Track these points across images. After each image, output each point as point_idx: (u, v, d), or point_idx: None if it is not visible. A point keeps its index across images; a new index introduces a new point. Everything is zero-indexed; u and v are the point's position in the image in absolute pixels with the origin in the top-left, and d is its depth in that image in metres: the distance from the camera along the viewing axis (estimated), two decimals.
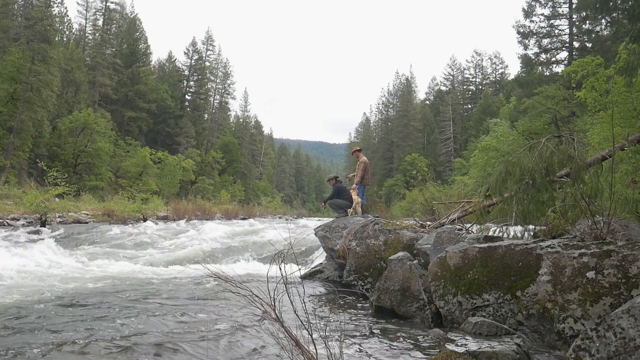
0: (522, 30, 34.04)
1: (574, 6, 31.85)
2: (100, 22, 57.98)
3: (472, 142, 47.00)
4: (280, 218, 39.48)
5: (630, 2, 11.68)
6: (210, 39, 71.69)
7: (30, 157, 35.99)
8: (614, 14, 15.01)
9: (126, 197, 29.76)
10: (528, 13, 34.12)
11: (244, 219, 33.43)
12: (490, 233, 7.05)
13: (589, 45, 31.42)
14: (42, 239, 13.58)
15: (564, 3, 33.57)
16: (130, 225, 20.75)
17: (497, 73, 74.64)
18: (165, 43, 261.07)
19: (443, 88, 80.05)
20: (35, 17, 38.01)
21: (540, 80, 30.75)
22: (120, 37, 59.28)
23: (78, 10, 59.57)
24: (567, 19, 33.26)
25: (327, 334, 2.87)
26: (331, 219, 11.13)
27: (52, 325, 5.11)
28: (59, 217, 21.65)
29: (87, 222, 21.70)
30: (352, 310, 6.46)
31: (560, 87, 26.45)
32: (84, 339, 4.52)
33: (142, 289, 7.60)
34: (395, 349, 4.57)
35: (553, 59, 33.82)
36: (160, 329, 4.99)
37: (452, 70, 79.10)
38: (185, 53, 69.65)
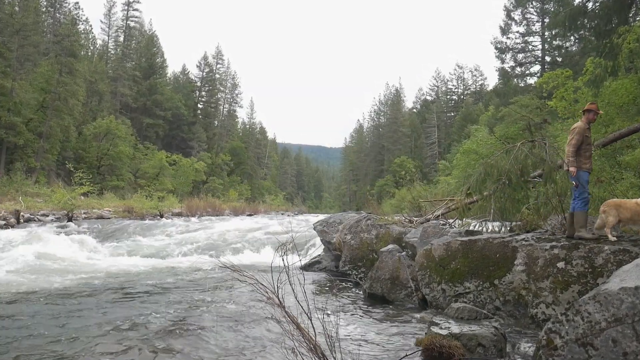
0: (499, 46, 34.12)
1: (545, 24, 31.92)
2: (121, 39, 57.88)
3: (455, 146, 46.92)
4: (282, 214, 39.42)
5: (596, 21, 11.70)
6: (220, 54, 71.55)
7: (58, 159, 35.89)
8: (582, 32, 15.04)
9: (144, 196, 29.64)
10: (505, 31, 34.19)
11: (250, 215, 33.35)
12: (471, 228, 7.05)
13: (559, 59, 31.47)
14: (72, 233, 13.53)
15: (537, 22, 33.66)
16: (147, 220, 20.71)
17: (477, 84, 74.59)
18: (180, 57, 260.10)
19: (428, 98, 79.97)
20: (63, 34, 37.93)
21: (516, 91, 30.80)
22: (139, 52, 59.07)
23: (101, 28, 59.61)
24: (539, 36, 33.34)
25: (324, 318, 2.86)
26: (328, 215, 11.11)
27: (78, 306, 5.10)
28: (84, 213, 21.57)
29: (109, 218, 21.62)
30: (347, 297, 6.45)
31: (533, 97, 26.48)
32: (106, 323, 4.51)
33: (160, 278, 7.58)
34: (385, 331, 4.57)
35: (527, 71, 33.94)
36: (174, 314, 4.98)
37: (437, 81, 79.10)
38: (197, 66, 69.58)
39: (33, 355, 3.59)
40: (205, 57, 69.79)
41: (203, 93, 69.71)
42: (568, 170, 5.25)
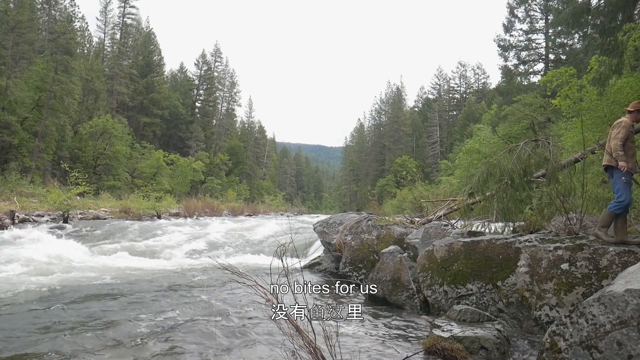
0: (502, 44, 34.09)
1: (549, 21, 31.91)
2: (117, 36, 57.80)
3: (457, 146, 46.89)
4: (282, 215, 39.41)
5: (600, 18, 11.69)
6: (218, 52, 71.55)
7: (53, 159, 35.86)
8: (586, 29, 15.03)
9: (141, 196, 29.60)
10: (508, 28, 34.18)
11: (249, 215, 33.37)
12: (474, 228, 7.04)
13: (563, 57, 31.42)
14: (67, 234, 13.53)
15: (540, 19, 33.62)
16: (145, 221, 20.69)
17: (479, 82, 74.63)
18: (178, 55, 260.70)
19: (430, 96, 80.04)
20: (58, 31, 37.89)
21: (519, 89, 30.79)
22: (136, 50, 59.01)
23: (97, 25, 59.57)
24: (543, 33, 33.31)
25: (324, 320, 2.86)
26: (328, 216, 11.10)
27: (84, 308, 5.10)
28: (80, 213, 21.55)
29: (105, 219, 21.60)
30: (348, 299, 6.45)
31: (537, 96, 26.49)
32: (106, 324, 4.51)
33: (157, 279, 7.58)
34: (386, 334, 4.57)
35: (531, 70, 33.86)
36: (171, 315, 4.98)
37: (439, 80, 79.18)
38: (195, 64, 69.56)
39: (32, 356, 3.59)
40: (203, 55, 69.78)
41: (201, 91, 69.67)
42: (612, 167, 4.73)
